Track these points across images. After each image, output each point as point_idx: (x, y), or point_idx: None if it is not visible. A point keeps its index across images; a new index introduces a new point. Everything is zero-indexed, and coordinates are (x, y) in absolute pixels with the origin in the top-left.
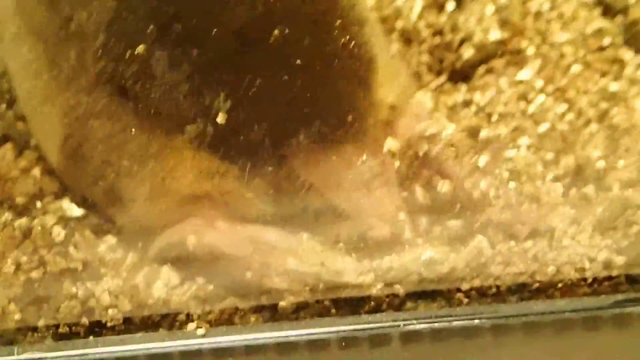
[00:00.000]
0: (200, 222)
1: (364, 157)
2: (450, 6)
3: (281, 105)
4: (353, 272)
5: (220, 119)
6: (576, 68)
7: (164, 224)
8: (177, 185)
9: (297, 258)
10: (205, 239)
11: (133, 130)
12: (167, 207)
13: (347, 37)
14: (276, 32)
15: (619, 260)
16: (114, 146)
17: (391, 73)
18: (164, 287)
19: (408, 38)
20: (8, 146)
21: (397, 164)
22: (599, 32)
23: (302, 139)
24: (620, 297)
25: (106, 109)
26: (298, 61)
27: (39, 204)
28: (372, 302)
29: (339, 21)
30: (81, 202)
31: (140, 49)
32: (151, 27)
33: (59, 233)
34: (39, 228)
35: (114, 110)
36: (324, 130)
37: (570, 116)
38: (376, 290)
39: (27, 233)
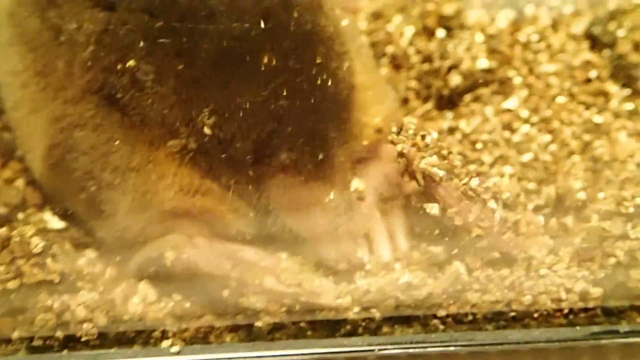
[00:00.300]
0: (180, 239)
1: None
2: (440, 33)
3: (263, 124)
4: (330, 294)
5: (204, 134)
6: (561, 99)
7: (143, 238)
8: (158, 201)
9: (274, 278)
10: (184, 256)
11: (117, 142)
12: (147, 221)
13: (331, 61)
14: (262, 51)
15: (596, 292)
16: (97, 158)
17: (379, 97)
18: (141, 302)
19: (397, 63)
20: None
21: (377, 189)
22: (586, 65)
23: (283, 159)
24: (595, 329)
25: (91, 120)
26: (282, 81)
27: (21, 215)
28: (349, 326)
29: (323, 44)
30: (62, 214)
31: (129, 61)
32: (139, 40)
33: (37, 244)
34: (18, 238)
35: (98, 121)
36: (305, 152)
37: (553, 147)
38: (353, 313)
39: (5, 243)
